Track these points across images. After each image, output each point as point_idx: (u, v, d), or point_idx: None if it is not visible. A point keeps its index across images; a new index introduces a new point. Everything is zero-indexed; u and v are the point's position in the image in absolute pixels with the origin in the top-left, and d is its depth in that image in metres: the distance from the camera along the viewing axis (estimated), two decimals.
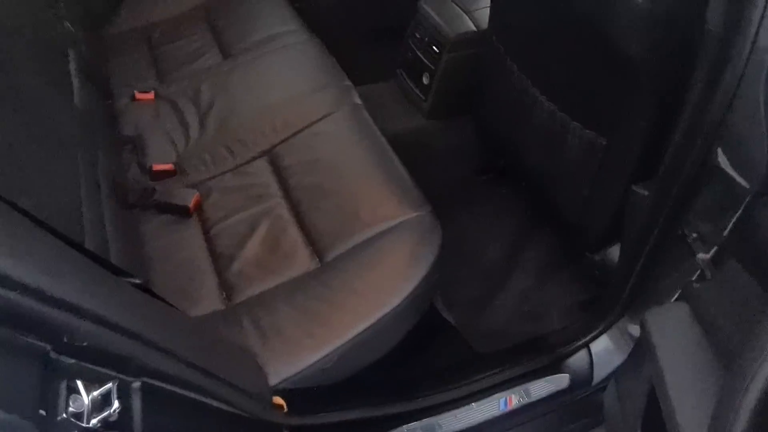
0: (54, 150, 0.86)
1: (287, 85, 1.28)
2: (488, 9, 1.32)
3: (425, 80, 1.42)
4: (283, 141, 1.17)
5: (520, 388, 1.01)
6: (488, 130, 1.37)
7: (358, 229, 1.00)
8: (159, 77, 1.39)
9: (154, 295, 0.67)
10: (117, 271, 0.61)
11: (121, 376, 0.44)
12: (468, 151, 1.48)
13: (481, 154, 1.46)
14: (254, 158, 1.16)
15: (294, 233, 1.03)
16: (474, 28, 1.32)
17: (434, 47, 1.36)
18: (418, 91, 1.45)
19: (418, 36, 1.42)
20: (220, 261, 1.01)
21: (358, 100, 1.24)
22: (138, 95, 1.31)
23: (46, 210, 0.73)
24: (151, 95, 1.32)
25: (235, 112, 1.24)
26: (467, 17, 1.34)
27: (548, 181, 1.17)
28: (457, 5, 1.36)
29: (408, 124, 1.45)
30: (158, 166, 1.15)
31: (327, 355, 0.85)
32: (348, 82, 1.28)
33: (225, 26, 1.48)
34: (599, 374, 1.04)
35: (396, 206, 1.01)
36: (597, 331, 1.02)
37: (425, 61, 1.40)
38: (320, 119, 1.19)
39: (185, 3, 1.57)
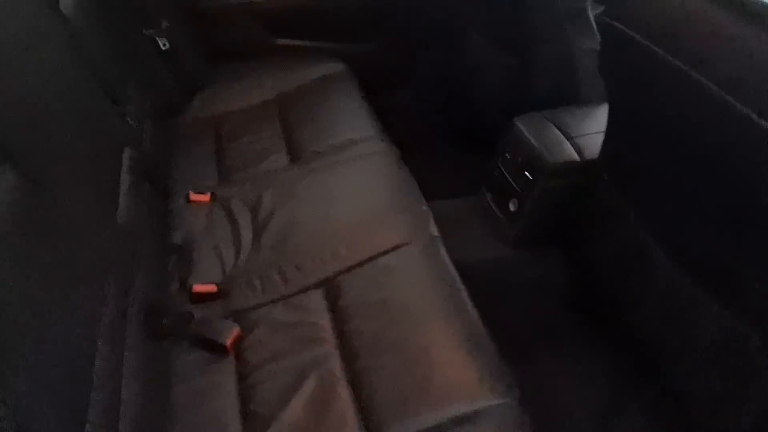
0: (77, 282, 0.72)
1: (357, 203, 1.13)
2: (596, 136, 1.15)
3: (512, 207, 1.23)
4: (344, 271, 1.01)
5: None
6: (587, 273, 1.16)
7: (424, 408, 0.79)
8: (220, 175, 1.28)
9: None
10: None
11: None
12: (557, 284, 1.27)
13: (573, 289, 1.25)
14: (309, 288, 1.00)
15: (345, 397, 0.84)
16: (576, 158, 1.13)
17: (527, 172, 1.18)
18: (503, 217, 1.27)
19: (508, 156, 1.25)
20: (254, 422, 0.83)
21: (436, 231, 1.07)
22: (193, 196, 1.20)
23: (51, 361, 0.58)
24: (207, 197, 1.20)
25: (295, 229, 1.10)
26: (569, 144, 1.16)
27: (665, 358, 0.94)
28: (557, 128, 1.20)
29: (490, 252, 1.26)
30: (200, 287, 1.00)
31: None
32: (426, 207, 1.12)
33: (296, 125, 1.37)
34: None
35: (476, 385, 0.81)
36: None
37: (515, 185, 1.23)
38: (390, 250, 1.02)
39: (259, 95, 1.49)
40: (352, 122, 1.34)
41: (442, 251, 1.03)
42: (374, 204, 1.12)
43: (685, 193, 0.84)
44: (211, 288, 1.01)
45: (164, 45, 1.38)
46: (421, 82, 1.75)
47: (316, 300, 0.98)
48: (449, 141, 1.61)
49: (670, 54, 0.72)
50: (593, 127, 1.19)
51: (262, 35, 1.62)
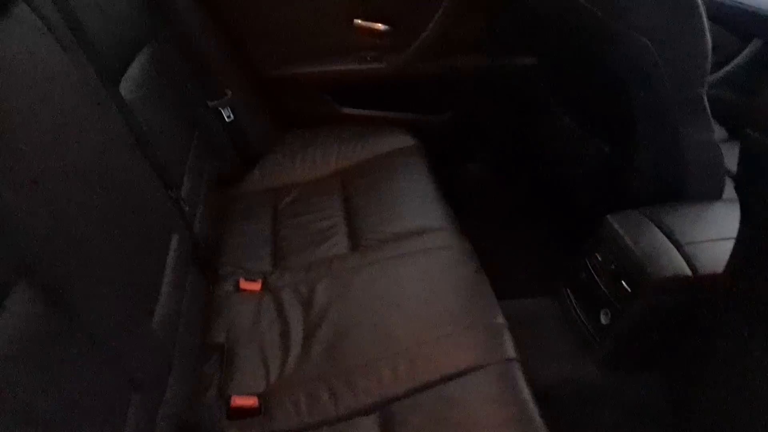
0: (96, 404, 0.62)
1: (421, 310, 0.98)
2: (710, 245, 0.97)
3: (603, 319, 1.05)
4: (402, 396, 0.86)
5: None
6: (700, 407, 0.95)
7: None
8: (274, 258, 1.18)
9: None
10: None
11: None
12: (654, 414, 1.07)
13: (679, 423, 1.04)
14: (361, 413, 0.86)
15: None
16: (687, 271, 0.95)
17: (624, 282, 1.01)
18: (590, 328, 1.09)
19: (599, 258, 1.08)
20: None
21: (513, 351, 0.91)
22: (243, 284, 1.10)
23: None
24: (258, 285, 1.10)
25: (349, 335, 0.96)
26: (677, 252, 0.98)
27: None
28: (662, 231, 1.02)
29: (574, 371, 1.07)
30: (239, 401, 0.88)
31: None
32: (502, 320, 0.96)
33: (360, 205, 1.26)
34: None
35: None
36: None
37: (607, 294, 1.05)
38: (457, 375, 0.87)
39: (322, 167, 1.40)
40: (420, 208, 1.21)
41: (520, 379, 0.87)
42: (441, 313, 0.97)
43: None
44: (252, 402, 0.89)
45: (228, 116, 1.32)
46: (497, 157, 1.61)
47: (368, 427, 0.84)
48: (526, 225, 1.45)
49: None
50: (706, 232, 1.00)
51: (329, 104, 1.55)
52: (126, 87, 0.96)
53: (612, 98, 1.09)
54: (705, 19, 0.91)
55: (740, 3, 1.21)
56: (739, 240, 0.83)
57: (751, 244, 0.81)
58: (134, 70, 1.02)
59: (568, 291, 1.17)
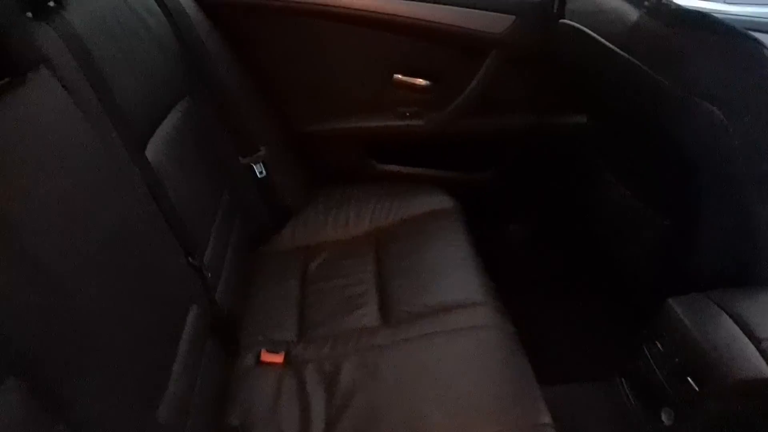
0: None
1: (455, 400, 0.88)
2: None
3: (666, 419, 0.92)
4: None
5: None
6: None
7: None
8: (300, 326, 1.11)
9: None
10: None
11: None
12: None
13: None
14: None
15: None
16: (765, 367, 0.82)
17: (690, 379, 0.88)
18: (649, 428, 0.96)
19: (660, 347, 0.96)
20: None
21: None
22: (264, 356, 1.02)
23: None
24: (280, 358, 1.02)
25: (377, 426, 0.87)
26: (754, 348, 0.85)
27: None
28: (734, 321, 0.89)
29: None
30: None
31: None
32: (546, 418, 0.85)
33: (393, 271, 1.18)
34: None
35: None
36: None
37: (669, 390, 0.92)
38: None
39: (355, 227, 1.34)
40: (458, 279, 1.12)
41: None
42: (478, 407, 0.87)
43: None
44: None
45: (261, 172, 1.28)
46: (540, 220, 1.51)
47: None
48: (572, 298, 1.34)
49: None
50: None
51: (365, 160, 1.49)
52: (154, 147, 0.92)
53: (673, 168, 0.99)
54: None
55: None
56: None
57: None
58: (165, 128, 0.98)
59: (623, 381, 1.04)
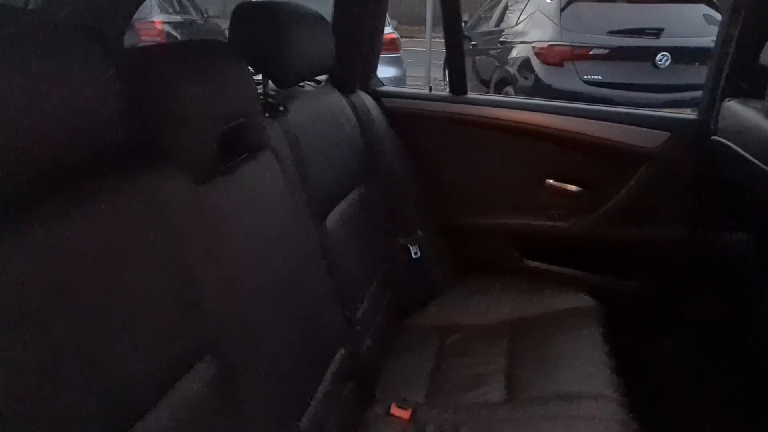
0: None
1: None
2: None
3: None
4: None
5: None
6: None
7: None
8: (429, 392, 1.21)
9: None
10: None
11: None
12: None
13: None
14: None
15: None
16: None
17: None
18: None
19: None
20: None
21: None
22: (394, 409, 1.14)
23: None
24: (407, 414, 1.14)
25: None
26: None
27: None
28: None
29: None
30: None
31: None
32: None
33: (524, 358, 1.25)
34: None
35: None
36: None
37: None
38: None
39: (494, 315, 1.43)
40: (587, 372, 1.14)
41: None
42: None
43: None
44: None
45: (416, 253, 1.47)
46: (692, 335, 1.45)
47: None
48: (722, 418, 1.24)
49: None
50: None
51: (512, 254, 1.61)
52: (333, 219, 1.17)
53: None
54: None
55: None
56: None
57: None
58: (343, 206, 1.24)
59: None
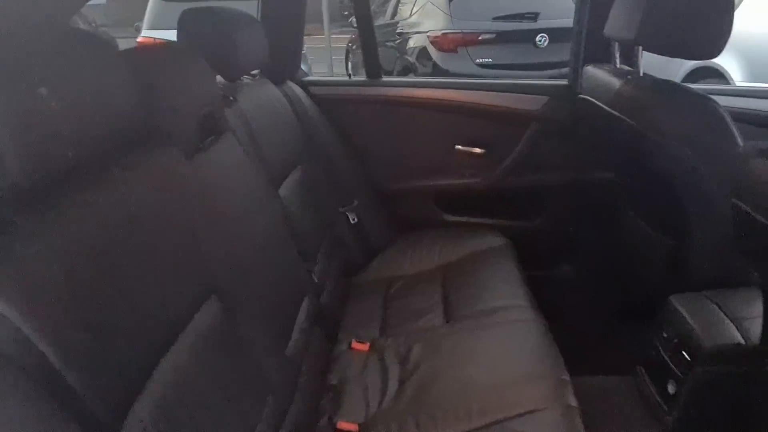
0: (240, 398, 0.90)
1: (496, 366, 1.17)
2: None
3: (671, 389, 1.15)
4: (475, 430, 1.04)
5: None
6: None
7: None
8: (381, 328, 1.44)
9: None
10: None
11: None
12: None
13: None
14: None
15: None
16: (741, 340, 1.05)
17: (685, 353, 1.12)
18: (660, 400, 1.18)
19: (665, 335, 1.20)
20: None
21: (574, 401, 1.05)
22: (355, 345, 1.36)
23: None
24: (366, 346, 1.36)
25: (436, 382, 1.17)
26: (732, 325, 1.09)
27: None
28: (718, 308, 1.13)
29: None
30: (343, 425, 1.12)
31: None
32: (566, 376, 1.11)
33: (455, 290, 1.51)
34: None
35: None
36: None
37: (672, 366, 1.15)
38: (523, 414, 1.03)
39: (427, 263, 1.69)
40: (504, 291, 1.43)
41: (578, 424, 1.00)
42: (512, 368, 1.15)
43: None
44: (354, 428, 1.11)
45: (354, 219, 1.69)
46: (581, 258, 1.79)
47: None
48: (606, 317, 1.57)
49: None
50: (759, 309, 1.10)
51: (435, 212, 1.88)
52: (284, 190, 1.37)
53: (669, 199, 1.28)
54: (733, 127, 1.11)
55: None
56: (764, 312, 0.95)
57: None
58: (289, 182, 1.43)
59: (641, 368, 1.27)
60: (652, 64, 1.32)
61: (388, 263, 1.73)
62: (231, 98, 1.28)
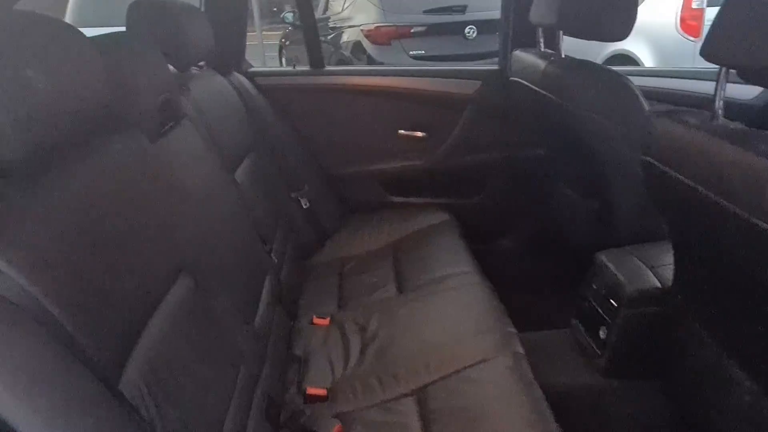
0: (217, 364, 0.95)
1: (448, 325, 1.28)
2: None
3: (602, 334, 1.29)
4: (434, 382, 1.14)
5: None
6: (678, 404, 1.15)
7: None
8: (339, 304, 1.52)
9: None
10: None
11: None
12: (662, 426, 1.25)
13: (677, 428, 1.22)
14: (403, 396, 1.14)
15: None
16: (658, 285, 1.21)
17: (612, 300, 1.27)
18: (594, 345, 1.32)
19: (594, 287, 1.35)
20: None
21: (520, 349, 1.17)
22: (315, 320, 1.44)
23: (186, 422, 0.78)
24: (327, 321, 1.43)
25: (395, 345, 1.27)
26: (650, 273, 1.24)
27: None
28: (639, 260, 1.29)
29: (580, 379, 1.30)
30: (312, 390, 1.19)
31: None
32: (512, 329, 1.24)
33: (406, 263, 1.61)
34: None
35: None
36: None
37: (602, 314, 1.30)
38: (476, 364, 1.14)
39: (377, 242, 1.78)
40: (450, 260, 1.54)
41: (525, 368, 1.13)
42: (463, 326, 1.26)
43: (748, 307, 0.89)
44: (322, 392, 1.19)
45: (305, 204, 1.76)
46: (519, 229, 1.94)
47: (408, 405, 1.11)
48: (544, 281, 1.72)
49: (699, 184, 0.84)
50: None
51: (382, 194, 1.97)
52: (239, 176, 1.41)
53: (592, 166, 1.42)
54: (641, 95, 1.26)
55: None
56: (674, 256, 1.10)
57: (679, 258, 1.08)
58: (243, 168, 1.48)
59: (576, 320, 1.42)
60: (575, 52, 1.47)
61: (341, 245, 1.81)
62: (184, 87, 1.31)
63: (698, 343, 1.03)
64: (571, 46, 1.45)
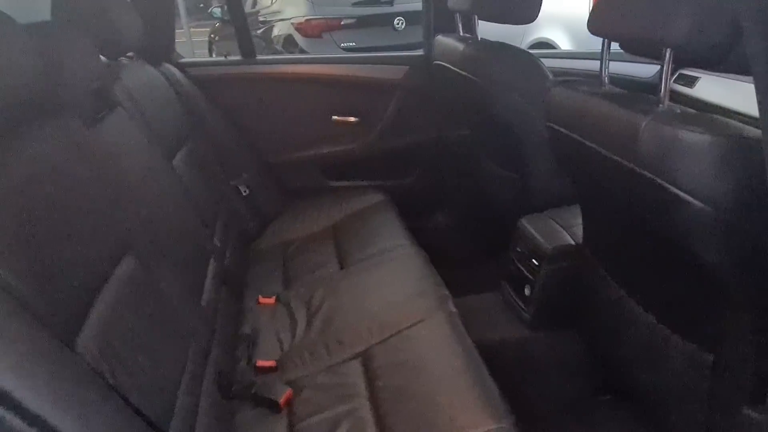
0: (167, 339, 1.00)
1: (387, 292, 1.37)
2: None
3: (527, 291, 1.42)
4: (377, 343, 1.22)
5: None
6: (593, 346, 1.30)
7: None
8: (284, 284, 1.58)
9: None
10: None
11: None
12: (583, 367, 1.39)
13: (597, 371, 1.36)
14: (349, 359, 1.22)
15: None
16: (571, 242, 1.35)
17: (534, 260, 1.40)
18: (520, 303, 1.45)
19: (519, 250, 1.48)
20: None
21: (453, 308, 1.28)
22: (261, 299, 1.49)
23: (141, 389, 0.83)
24: (272, 300, 1.49)
25: (339, 315, 1.34)
26: (565, 233, 1.38)
27: (658, 405, 1.04)
28: (555, 222, 1.43)
29: (509, 333, 1.43)
30: (262, 363, 1.25)
31: None
32: (445, 291, 1.34)
33: (346, 242, 1.68)
34: None
35: (476, 415, 0.96)
36: None
37: (526, 273, 1.43)
38: (414, 324, 1.24)
39: (317, 225, 1.84)
40: (387, 236, 1.63)
41: (459, 325, 1.23)
42: (401, 291, 1.36)
43: (641, 255, 1.03)
44: (272, 363, 1.25)
45: (245, 191, 1.80)
46: (450, 206, 2.06)
47: (353, 367, 1.19)
48: (476, 249, 1.85)
49: (587, 139, 0.96)
50: None
51: (319, 179, 2.04)
52: (177, 163, 1.44)
53: (510, 141, 1.55)
54: (548, 72, 1.39)
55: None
56: (581, 212, 1.24)
57: (584, 213, 1.21)
58: (180, 157, 1.51)
59: (504, 282, 1.54)
60: (500, 38, 1.58)
61: (282, 229, 1.86)
62: (116, 76, 1.33)
63: (605, 287, 1.16)
64: (496, 35, 1.57)
